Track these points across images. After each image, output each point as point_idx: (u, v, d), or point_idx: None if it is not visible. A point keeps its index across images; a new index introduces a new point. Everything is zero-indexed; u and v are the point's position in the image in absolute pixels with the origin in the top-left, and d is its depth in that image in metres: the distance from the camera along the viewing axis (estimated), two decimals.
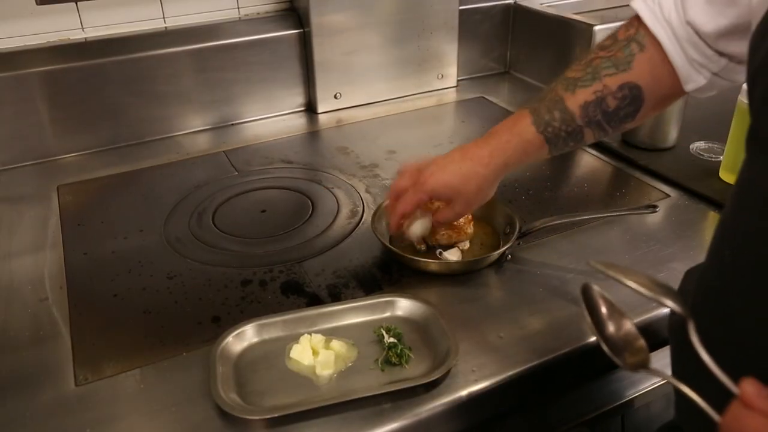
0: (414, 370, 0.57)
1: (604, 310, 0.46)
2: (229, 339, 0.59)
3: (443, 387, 0.56)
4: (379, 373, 0.57)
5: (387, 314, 0.64)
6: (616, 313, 0.46)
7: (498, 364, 0.59)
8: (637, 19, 0.56)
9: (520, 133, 0.60)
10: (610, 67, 0.55)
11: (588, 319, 0.46)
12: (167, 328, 0.64)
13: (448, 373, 0.57)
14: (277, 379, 0.57)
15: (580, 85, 0.57)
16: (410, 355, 0.58)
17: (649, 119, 0.58)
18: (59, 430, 0.53)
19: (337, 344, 0.60)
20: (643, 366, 0.43)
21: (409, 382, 0.55)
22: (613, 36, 0.58)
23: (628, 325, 0.46)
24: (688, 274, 0.54)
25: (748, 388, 0.34)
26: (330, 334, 0.61)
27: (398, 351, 0.58)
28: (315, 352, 0.58)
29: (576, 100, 0.57)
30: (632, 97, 0.55)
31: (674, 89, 0.56)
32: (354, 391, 0.54)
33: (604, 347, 0.45)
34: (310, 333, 0.60)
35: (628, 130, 0.97)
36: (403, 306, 0.64)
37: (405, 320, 0.63)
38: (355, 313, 0.63)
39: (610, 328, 0.46)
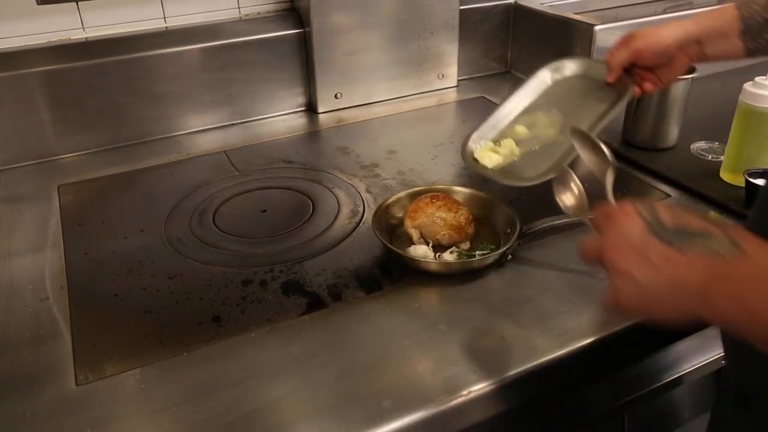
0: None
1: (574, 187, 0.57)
2: None
3: (443, 388, 0.56)
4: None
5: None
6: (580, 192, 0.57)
7: (499, 364, 0.58)
8: None
9: (720, 8, 0.63)
10: None
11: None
12: (168, 328, 0.64)
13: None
14: None
15: None
16: None
17: None
18: (59, 430, 0.53)
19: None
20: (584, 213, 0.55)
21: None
22: None
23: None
24: None
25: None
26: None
27: None
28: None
29: None
30: None
31: None
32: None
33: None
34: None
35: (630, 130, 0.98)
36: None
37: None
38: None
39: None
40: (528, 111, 0.80)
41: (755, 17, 0.61)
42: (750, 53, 0.64)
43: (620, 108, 0.72)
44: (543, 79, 0.82)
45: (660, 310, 0.41)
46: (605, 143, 0.56)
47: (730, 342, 0.52)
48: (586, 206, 0.56)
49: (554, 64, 0.82)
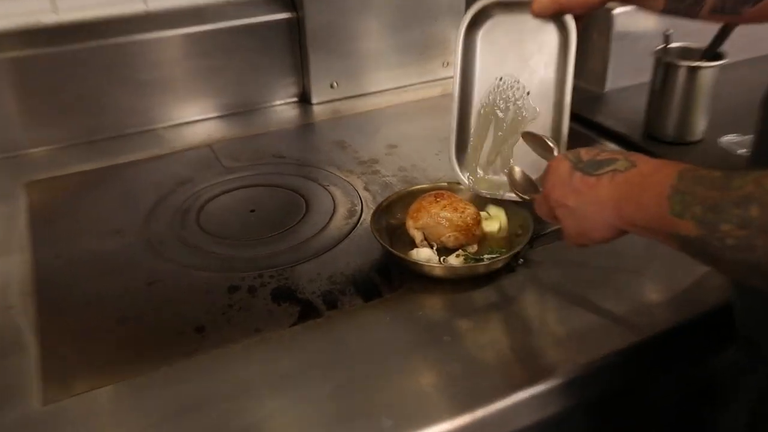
0: None
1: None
2: None
3: (449, 404, 0.55)
4: None
5: None
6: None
7: (510, 379, 0.58)
8: None
9: None
10: None
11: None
12: (146, 339, 0.63)
13: None
14: None
15: None
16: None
17: (761, 21, 0.66)
18: None
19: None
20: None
21: None
22: None
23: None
24: None
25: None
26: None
27: None
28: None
29: None
30: None
31: None
32: None
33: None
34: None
35: (652, 122, 0.97)
36: None
37: None
38: None
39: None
40: (479, 96, 0.76)
41: None
42: (665, 12, 0.68)
43: (573, 51, 0.70)
44: (472, 44, 0.74)
45: (592, 229, 0.54)
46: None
47: (737, 290, 0.59)
48: (535, 184, 0.67)
49: (469, 19, 0.74)
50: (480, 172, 0.77)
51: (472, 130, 0.77)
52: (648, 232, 0.48)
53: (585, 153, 0.55)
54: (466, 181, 0.77)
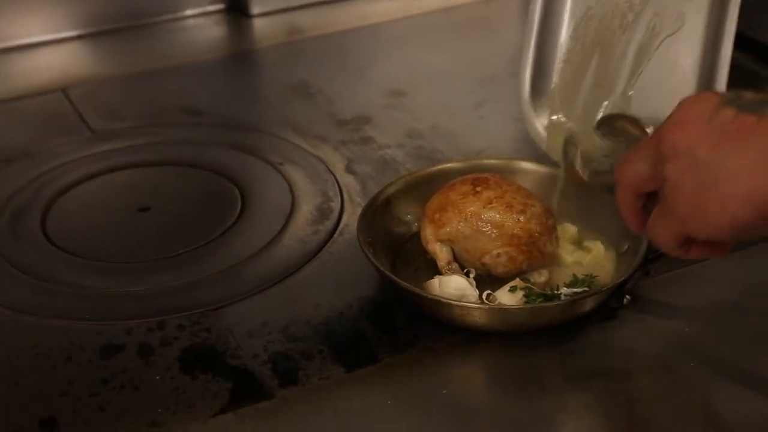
0: None
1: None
2: None
3: None
4: None
5: None
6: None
7: None
8: None
9: None
10: None
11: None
12: None
13: None
14: None
15: None
16: None
17: None
18: None
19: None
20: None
21: None
22: None
23: None
24: None
25: None
26: None
27: None
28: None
29: None
30: None
31: None
32: None
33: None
34: None
35: None
36: None
37: None
38: None
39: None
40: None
41: None
42: None
43: None
44: None
45: (718, 201, 0.56)
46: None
47: None
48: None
49: None
50: (573, 125, 0.78)
51: (562, 51, 0.78)
52: None
53: (749, 94, 0.58)
54: (545, 137, 0.79)
